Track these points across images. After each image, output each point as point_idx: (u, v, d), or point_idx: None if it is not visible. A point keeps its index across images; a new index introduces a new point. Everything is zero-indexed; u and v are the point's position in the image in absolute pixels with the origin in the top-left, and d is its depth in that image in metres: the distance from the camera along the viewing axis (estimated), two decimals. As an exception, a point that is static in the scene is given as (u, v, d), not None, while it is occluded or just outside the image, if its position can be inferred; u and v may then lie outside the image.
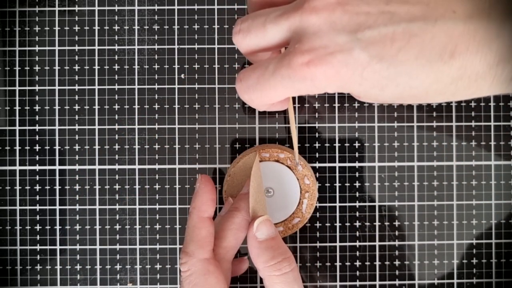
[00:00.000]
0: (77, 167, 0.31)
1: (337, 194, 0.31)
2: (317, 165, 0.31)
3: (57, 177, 0.31)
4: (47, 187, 0.31)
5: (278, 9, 0.20)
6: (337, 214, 0.31)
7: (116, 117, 0.31)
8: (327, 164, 0.31)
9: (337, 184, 0.31)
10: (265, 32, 0.20)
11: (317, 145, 0.31)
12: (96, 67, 0.31)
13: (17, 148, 0.31)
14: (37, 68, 0.31)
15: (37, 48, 0.31)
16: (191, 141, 0.31)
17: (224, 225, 0.24)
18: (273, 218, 0.28)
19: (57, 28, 0.31)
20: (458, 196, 0.31)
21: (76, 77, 0.31)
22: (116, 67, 0.31)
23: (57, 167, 0.31)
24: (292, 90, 0.20)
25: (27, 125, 0.31)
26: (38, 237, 0.31)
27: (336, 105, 0.31)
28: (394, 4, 0.18)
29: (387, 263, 0.31)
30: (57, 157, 0.31)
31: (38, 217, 0.31)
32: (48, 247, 0.31)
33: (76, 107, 0.31)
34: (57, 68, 0.31)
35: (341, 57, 0.18)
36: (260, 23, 0.20)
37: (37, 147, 0.31)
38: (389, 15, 0.18)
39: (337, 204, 0.31)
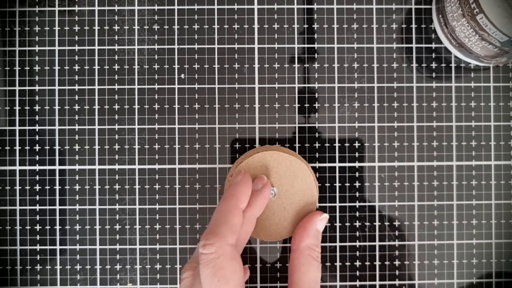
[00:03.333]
0: (77, 167, 0.31)
1: (337, 194, 0.31)
2: (317, 165, 0.31)
3: (57, 177, 0.31)
4: (47, 187, 0.31)
5: None
6: (337, 214, 0.31)
7: (116, 117, 0.31)
8: (327, 164, 0.31)
9: (337, 184, 0.31)
10: None
11: (317, 145, 0.31)
12: (96, 67, 0.31)
13: (17, 148, 0.31)
14: (37, 68, 0.31)
15: (37, 48, 0.31)
16: (191, 141, 0.31)
17: None
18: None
19: (57, 28, 0.31)
20: (458, 196, 0.31)
21: (76, 77, 0.31)
22: (116, 67, 0.31)
23: (57, 167, 0.31)
24: None
25: (27, 125, 0.31)
26: (38, 237, 0.31)
27: (336, 105, 0.31)
28: None
29: (387, 263, 0.31)
30: (57, 157, 0.31)
31: (38, 217, 0.31)
32: (48, 247, 0.31)
33: (76, 107, 0.31)
34: (57, 68, 0.31)
35: None
36: None
37: (37, 147, 0.31)
38: None
39: (337, 204, 0.31)
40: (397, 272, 0.31)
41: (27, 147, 0.31)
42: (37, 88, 0.31)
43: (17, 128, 0.31)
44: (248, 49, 0.31)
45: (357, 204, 0.31)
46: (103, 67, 0.31)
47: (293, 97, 0.31)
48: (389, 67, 0.31)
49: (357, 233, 0.31)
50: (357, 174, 0.31)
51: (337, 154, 0.31)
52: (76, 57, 0.31)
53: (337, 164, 0.31)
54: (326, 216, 0.28)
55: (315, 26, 0.31)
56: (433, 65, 0.31)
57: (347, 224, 0.31)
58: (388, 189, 0.31)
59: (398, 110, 0.31)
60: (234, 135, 0.31)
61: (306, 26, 0.31)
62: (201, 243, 0.22)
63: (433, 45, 0.31)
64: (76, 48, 0.31)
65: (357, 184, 0.31)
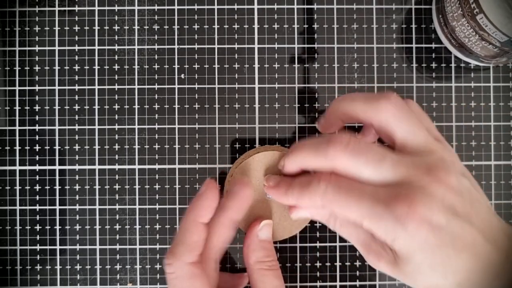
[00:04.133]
0: (77, 167, 0.31)
1: (337, 194, 0.31)
2: (317, 165, 0.31)
3: (57, 177, 0.31)
4: (47, 187, 0.31)
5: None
6: (337, 214, 0.31)
7: (116, 117, 0.31)
8: (327, 164, 0.31)
9: (337, 184, 0.31)
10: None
11: (317, 145, 0.31)
12: (96, 67, 0.31)
13: (17, 148, 0.31)
14: (37, 68, 0.31)
15: (37, 48, 0.31)
16: (191, 141, 0.31)
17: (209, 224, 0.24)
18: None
19: (57, 28, 0.31)
20: (458, 196, 0.31)
21: (76, 77, 0.31)
22: (116, 67, 0.31)
23: (57, 167, 0.31)
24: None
25: (27, 125, 0.31)
26: (38, 237, 0.31)
27: (336, 105, 0.31)
28: None
29: (387, 263, 0.31)
30: (57, 157, 0.31)
31: (38, 217, 0.31)
32: (48, 247, 0.31)
33: (76, 107, 0.31)
34: (57, 68, 0.31)
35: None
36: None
37: (37, 147, 0.31)
38: None
39: (337, 204, 0.31)
40: (397, 272, 0.31)
41: (27, 147, 0.31)
42: (37, 88, 0.31)
43: (17, 128, 0.31)
44: (248, 49, 0.31)
45: (357, 204, 0.31)
46: (103, 67, 0.31)
47: (293, 97, 0.31)
48: (389, 67, 0.31)
49: (357, 233, 0.31)
50: (357, 174, 0.31)
51: (337, 154, 0.31)
52: (76, 57, 0.31)
53: (337, 164, 0.31)
54: (266, 223, 0.26)
55: (315, 26, 0.31)
56: (433, 65, 0.31)
57: (347, 224, 0.31)
58: (388, 189, 0.31)
59: (398, 110, 0.31)
60: (234, 135, 0.31)
61: (306, 26, 0.31)
62: (164, 262, 0.23)
63: (433, 45, 0.31)
64: (76, 48, 0.31)
65: (357, 184, 0.31)
